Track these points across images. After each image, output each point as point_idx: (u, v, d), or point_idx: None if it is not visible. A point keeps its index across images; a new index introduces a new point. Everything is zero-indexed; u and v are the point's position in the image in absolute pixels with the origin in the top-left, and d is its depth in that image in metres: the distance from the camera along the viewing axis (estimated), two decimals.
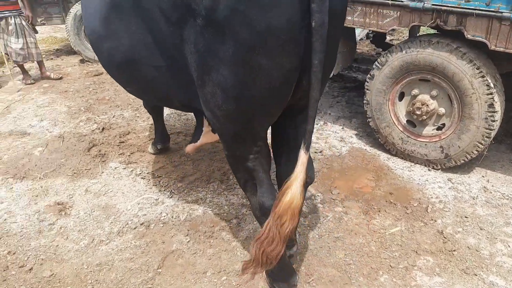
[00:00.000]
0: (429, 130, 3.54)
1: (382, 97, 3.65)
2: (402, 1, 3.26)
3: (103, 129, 4.50)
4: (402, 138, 3.64)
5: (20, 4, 5.96)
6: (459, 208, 3.10)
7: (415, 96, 3.50)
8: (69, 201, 3.30)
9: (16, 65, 6.23)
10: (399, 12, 3.32)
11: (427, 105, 3.41)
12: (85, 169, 3.74)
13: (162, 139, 3.93)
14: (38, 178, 3.62)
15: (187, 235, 2.90)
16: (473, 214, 3.03)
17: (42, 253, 2.78)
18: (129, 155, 3.97)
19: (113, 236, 2.91)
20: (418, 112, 3.45)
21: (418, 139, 3.58)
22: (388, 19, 3.40)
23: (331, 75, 4.10)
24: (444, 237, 2.81)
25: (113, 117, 4.83)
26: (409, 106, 3.55)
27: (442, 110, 3.41)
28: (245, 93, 1.77)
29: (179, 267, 2.63)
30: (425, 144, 3.54)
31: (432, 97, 3.42)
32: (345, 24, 3.67)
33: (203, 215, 3.09)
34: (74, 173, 3.69)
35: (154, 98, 2.76)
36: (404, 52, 3.39)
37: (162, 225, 3.01)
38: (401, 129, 3.65)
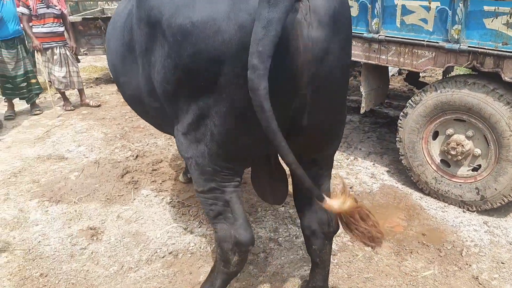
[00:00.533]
0: (464, 170, 3.46)
1: (415, 135, 3.62)
2: (437, 42, 3.27)
3: (137, 156, 4.62)
4: (435, 177, 3.57)
5: (66, 35, 6.31)
6: (496, 253, 2.98)
7: (449, 136, 3.45)
8: (101, 227, 3.37)
9: (57, 92, 6.53)
10: (434, 53, 3.32)
11: (463, 145, 3.35)
12: (118, 195, 3.83)
13: None
14: (73, 202, 3.73)
15: None
16: (510, 260, 2.91)
17: (73, 277, 2.83)
18: (161, 183, 4.04)
19: (142, 264, 2.94)
20: (453, 152, 3.39)
21: (453, 180, 3.50)
22: (423, 59, 3.40)
23: (365, 110, 4.11)
24: (479, 283, 2.70)
25: (147, 145, 4.96)
26: (443, 146, 3.50)
27: (478, 151, 3.34)
28: (232, 140, 1.88)
29: None
30: (460, 185, 3.45)
31: (468, 138, 3.36)
32: (379, 63, 3.71)
33: None
34: (107, 198, 3.78)
35: (166, 131, 2.85)
36: (439, 91, 3.37)
37: (190, 255, 3.02)
38: (435, 168, 3.58)
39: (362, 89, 4.00)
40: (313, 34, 1.65)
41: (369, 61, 3.77)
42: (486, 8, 2.97)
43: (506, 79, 3.00)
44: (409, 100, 3.61)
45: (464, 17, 3.07)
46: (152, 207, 3.65)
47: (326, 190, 2.26)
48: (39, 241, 3.21)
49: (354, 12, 3.72)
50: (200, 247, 3.10)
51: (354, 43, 3.75)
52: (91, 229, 3.34)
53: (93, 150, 4.85)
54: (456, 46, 3.15)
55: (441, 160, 3.58)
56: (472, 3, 3.02)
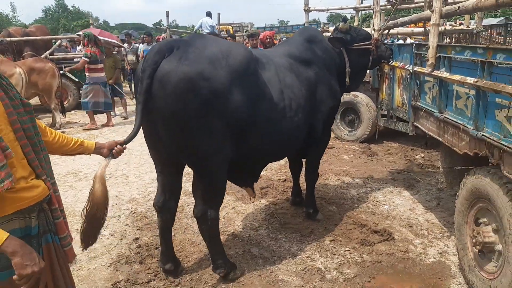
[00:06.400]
0: (490, 265, 3.22)
1: (461, 218, 3.57)
2: (468, 127, 3.32)
3: None
4: (469, 265, 3.43)
5: None
6: None
7: (485, 225, 3.30)
8: None
9: None
10: (468, 138, 3.35)
11: (484, 236, 3.19)
12: None
13: None
14: None
15: None
16: None
17: None
18: None
19: None
20: (474, 241, 3.26)
21: (480, 273, 3.30)
22: (463, 143, 3.45)
23: (443, 187, 4.17)
24: None
25: None
26: (474, 234, 3.36)
27: (499, 247, 3.11)
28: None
29: None
30: (483, 279, 3.24)
31: (494, 231, 3.17)
32: (444, 142, 3.87)
33: None
34: None
35: None
36: (474, 177, 3.34)
37: None
38: (472, 256, 3.44)
39: (440, 165, 4.10)
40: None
41: (439, 138, 3.93)
42: (497, 100, 2.97)
43: (505, 173, 2.86)
44: (462, 180, 3.61)
45: (483, 106, 3.11)
46: None
47: None
48: None
49: (435, 92, 4.03)
50: None
51: (432, 119, 4.05)
52: None
53: None
54: (476, 134, 3.17)
55: (480, 250, 3.40)
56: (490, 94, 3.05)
